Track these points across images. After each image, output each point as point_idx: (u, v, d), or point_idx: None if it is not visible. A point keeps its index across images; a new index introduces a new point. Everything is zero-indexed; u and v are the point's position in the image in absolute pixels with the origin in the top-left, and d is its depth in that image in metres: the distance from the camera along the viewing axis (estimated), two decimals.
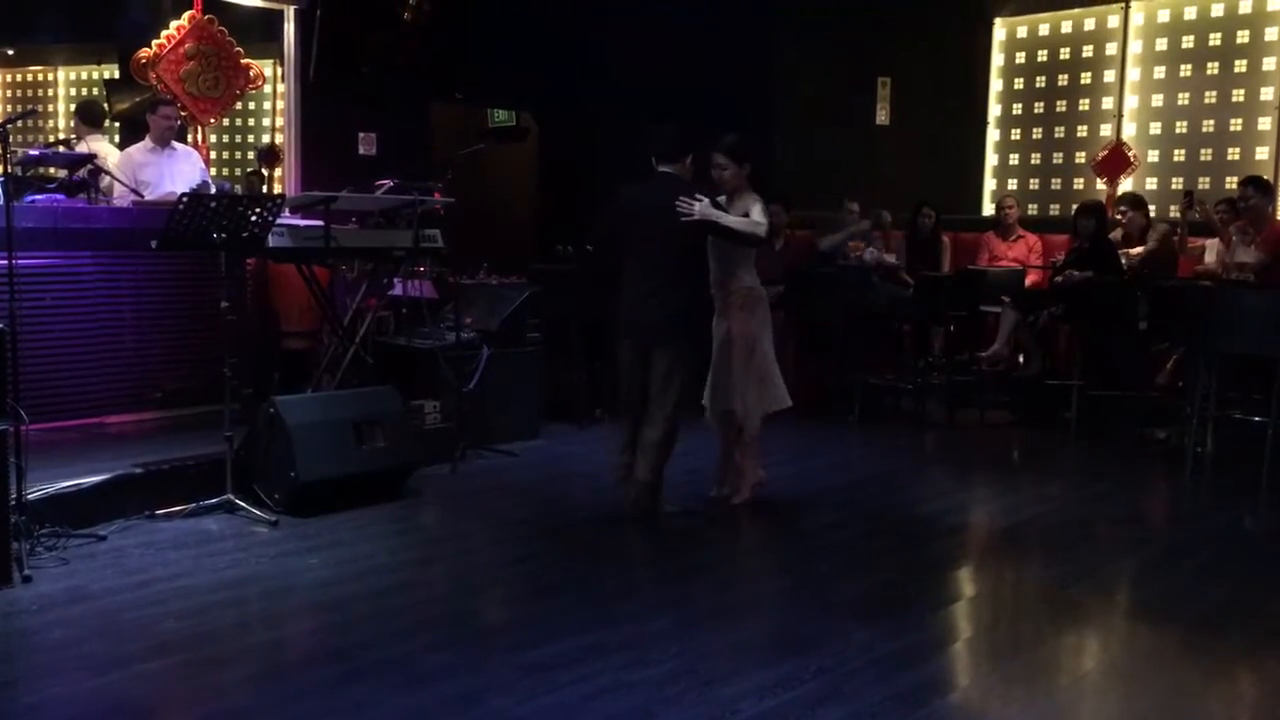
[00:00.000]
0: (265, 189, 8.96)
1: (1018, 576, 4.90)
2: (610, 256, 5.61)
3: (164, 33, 7.28)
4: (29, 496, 4.43)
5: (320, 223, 5.59)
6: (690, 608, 4.24)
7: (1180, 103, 8.87)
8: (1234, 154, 8.62)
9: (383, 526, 5.13)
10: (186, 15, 7.34)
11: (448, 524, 5.45)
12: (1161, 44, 8.95)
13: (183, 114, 7.15)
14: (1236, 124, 8.61)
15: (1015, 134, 9.77)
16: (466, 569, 4.75)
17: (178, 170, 6.61)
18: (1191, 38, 8.80)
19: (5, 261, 4.44)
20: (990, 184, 9.91)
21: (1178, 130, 8.89)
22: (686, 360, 5.10)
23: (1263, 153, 8.48)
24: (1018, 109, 9.75)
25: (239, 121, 10.32)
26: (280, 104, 8.43)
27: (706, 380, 5.42)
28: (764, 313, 5.39)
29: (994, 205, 9.39)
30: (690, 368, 5.15)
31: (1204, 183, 8.61)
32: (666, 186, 5.04)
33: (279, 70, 8.28)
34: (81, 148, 6.82)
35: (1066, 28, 9.44)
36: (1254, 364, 6.42)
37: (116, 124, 9.48)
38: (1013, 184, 9.73)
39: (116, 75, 10.10)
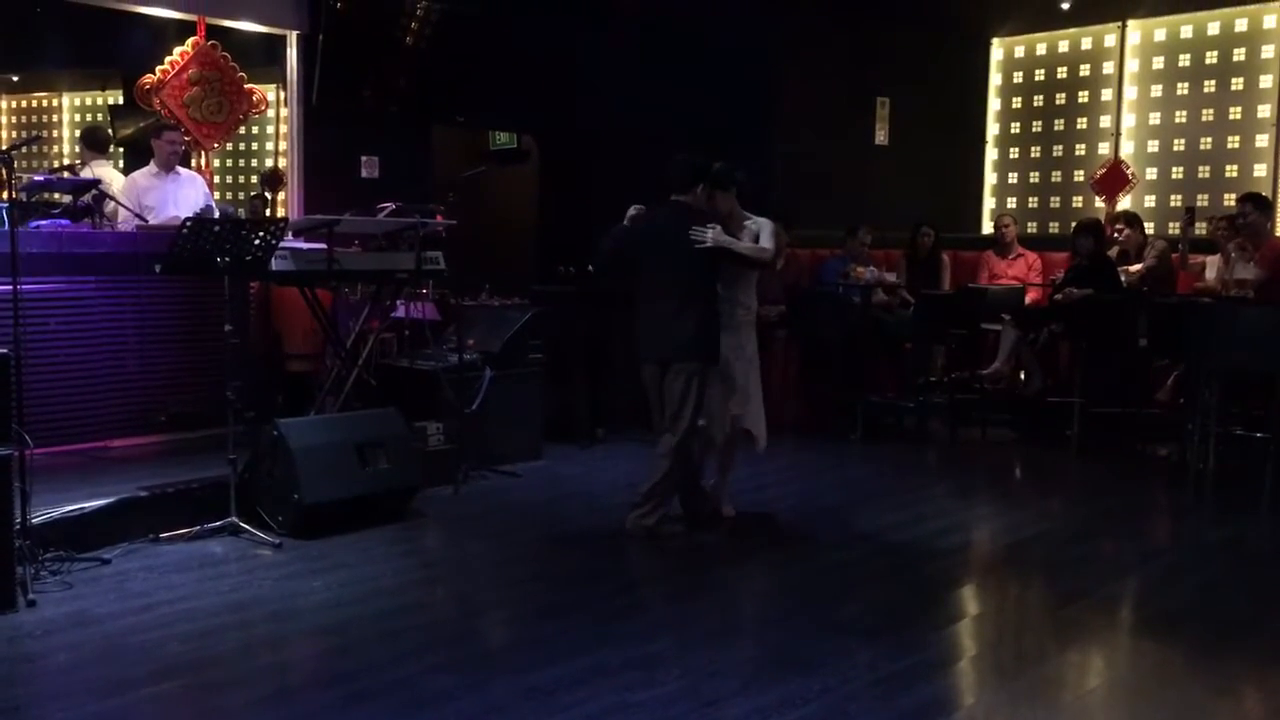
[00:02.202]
0: (268, 212, 9.00)
1: (1021, 594, 4.90)
2: (614, 279, 5.72)
3: (168, 59, 7.33)
4: (33, 521, 4.44)
5: (323, 246, 5.62)
6: (693, 628, 4.24)
7: (1177, 120, 8.91)
8: (1232, 171, 8.65)
9: (386, 548, 5.13)
10: (190, 41, 7.40)
11: (451, 545, 5.46)
12: (1158, 62, 9.00)
13: (187, 139, 7.19)
14: (1234, 141, 8.64)
15: (1014, 153, 9.82)
16: (469, 590, 4.76)
17: (182, 195, 6.64)
18: (1188, 56, 8.85)
19: (9, 286, 4.46)
20: (989, 203, 9.95)
21: (1175, 148, 8.93)
22: (703, 378, 5.27)
23: (1261, 169, 8.51)
24: (1016, 128, 9.79)
25: (242, 146, 10.38)
26: (283, 128, 8.48)
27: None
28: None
29: (992, 224, 9.42)
30: (706, 385, 5.29)
31: (1202, 200, 8.64)
32: (678, 214, 5.32)
33: (282, 95, 8.34)
34: (86, 173, 6.85)
35: (1064, 47, 9.49)
36: (1254, 380, 6.43)
37: (121, 149, 9.54)
38: (1012, 202, 9.77)
39: (121, 101, 10.18)
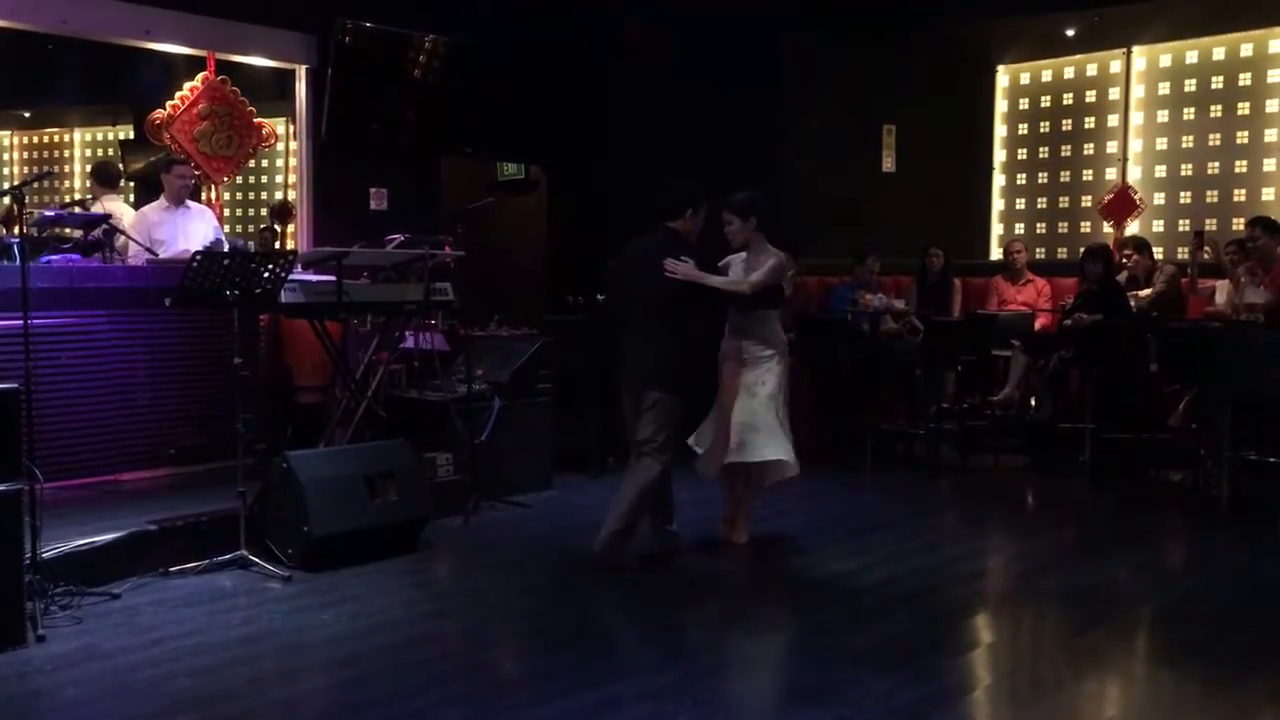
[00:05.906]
0: (278, 245, 9.04)
1: (1035, 622, 4.86)
2: (617, 307, 5.71)
3: (178, 94, 7.40)
4: (43, 555, 4.44)
5: (332, 278, 5.63)
6: (705, 659, 4.21)
7: (1184, 145, 8.91)
8: (1240, 195, 8.64)
9: (396, 580, 5.11)
10: (200, 76, 7.46)
11: (461, 577, 5.44)
12: (1164, 88, 9.01)
13: (197, 173, 7.24)
14: (1241, 165, 8.63)
15: (1021, 179, 9.82)
16: (480, 622, 4.73)
17: (192, 228, 6.68)
18: (1194, 81, 8.86)
19: (20, 321, 4.48)
20: (997, 229, 9.94)
21: (1183, 173, 8.92)
22: (671, 405, 5.22)
23: (1269, 193, 8.50)
24: (1023, 154, 9.80)
25: (252, 179, 10.44)
26: (292, 161, 8.54)
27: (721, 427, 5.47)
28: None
29: (1001, 250, 9.42)
30: (677, 413, 5.25)
31: (1211, 224, 8.62)
32: (661, 241, 5.27)
33: (291, 128, 8.39)
34: (97, 208, 6.90)
35: (1069, 73, 9.51)
36: (1266, 404, 6.39)
37: (131, 184, 9.61)
38: (1019, 228, 9.76)
39: (131, 136, 10.27)
